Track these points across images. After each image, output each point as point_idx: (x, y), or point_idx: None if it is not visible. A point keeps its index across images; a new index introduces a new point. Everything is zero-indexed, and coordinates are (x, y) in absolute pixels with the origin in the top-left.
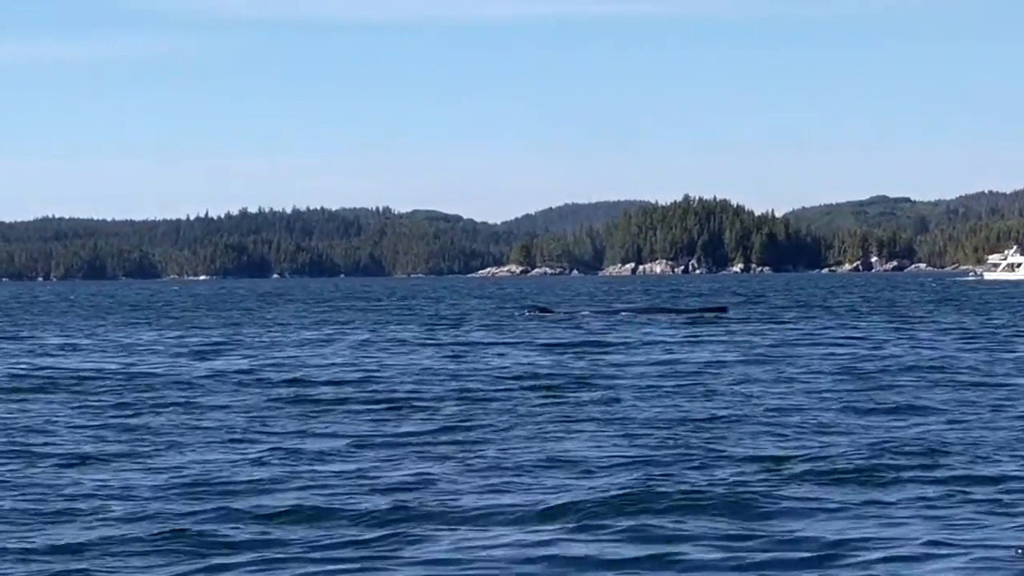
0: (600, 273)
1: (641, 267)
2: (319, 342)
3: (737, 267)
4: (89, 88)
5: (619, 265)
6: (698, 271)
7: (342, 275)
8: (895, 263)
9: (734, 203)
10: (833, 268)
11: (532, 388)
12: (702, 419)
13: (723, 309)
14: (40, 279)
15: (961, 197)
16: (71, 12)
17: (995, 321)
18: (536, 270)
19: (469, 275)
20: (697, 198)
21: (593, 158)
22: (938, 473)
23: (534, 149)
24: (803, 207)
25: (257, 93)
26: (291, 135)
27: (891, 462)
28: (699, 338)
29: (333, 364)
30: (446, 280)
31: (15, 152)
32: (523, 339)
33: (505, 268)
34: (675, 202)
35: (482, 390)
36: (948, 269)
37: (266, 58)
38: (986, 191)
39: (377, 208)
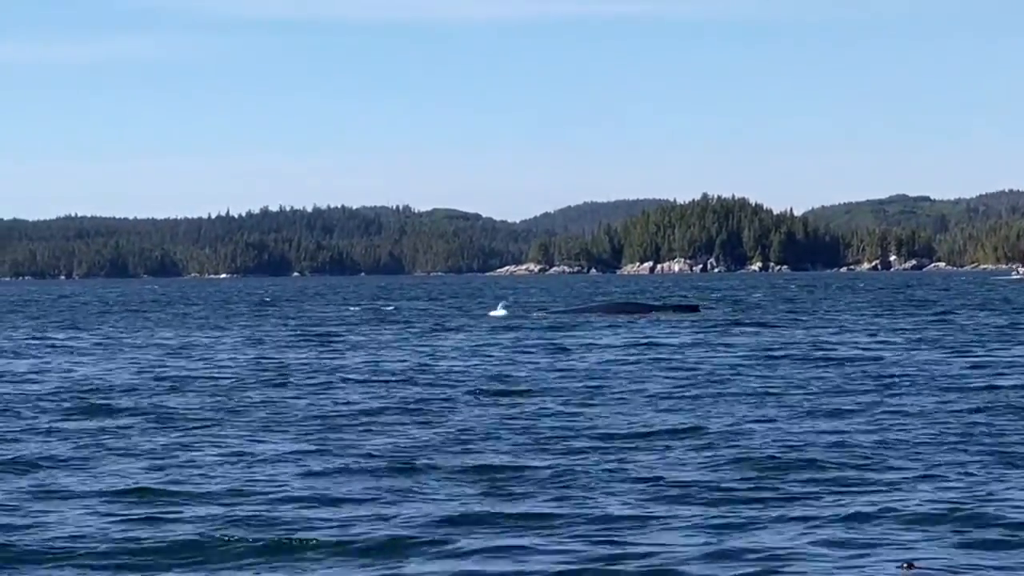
0: (618, 272)
1: (659, 266)
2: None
3: (755, 266)
4: (111, 88)
5: (637, 264)
6: (716, 270)
7: (362, 273)
8: (914, 262)
9: (753, 202)
10: (852, 267)
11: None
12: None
13: (695, 308)
14: (62, 277)
15: (981, 196)
16: (91, 13)
17: None
18: (554, 268)
19: (487, 273)
20: (716, 196)
21: (611, 157)
22: (829, 485)
23: (553, 148)
24: (822, 206)
25: (277, 92)
26: (312, 134)
27: (781, 476)
28: (636, 341)
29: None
30: (465, 278)
31: (38, 152)
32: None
33: (523, 267)
34: (694, 200)
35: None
36: (968, 268)
37: (287, 58)
38: (1006, 190)
39: (397, 206)
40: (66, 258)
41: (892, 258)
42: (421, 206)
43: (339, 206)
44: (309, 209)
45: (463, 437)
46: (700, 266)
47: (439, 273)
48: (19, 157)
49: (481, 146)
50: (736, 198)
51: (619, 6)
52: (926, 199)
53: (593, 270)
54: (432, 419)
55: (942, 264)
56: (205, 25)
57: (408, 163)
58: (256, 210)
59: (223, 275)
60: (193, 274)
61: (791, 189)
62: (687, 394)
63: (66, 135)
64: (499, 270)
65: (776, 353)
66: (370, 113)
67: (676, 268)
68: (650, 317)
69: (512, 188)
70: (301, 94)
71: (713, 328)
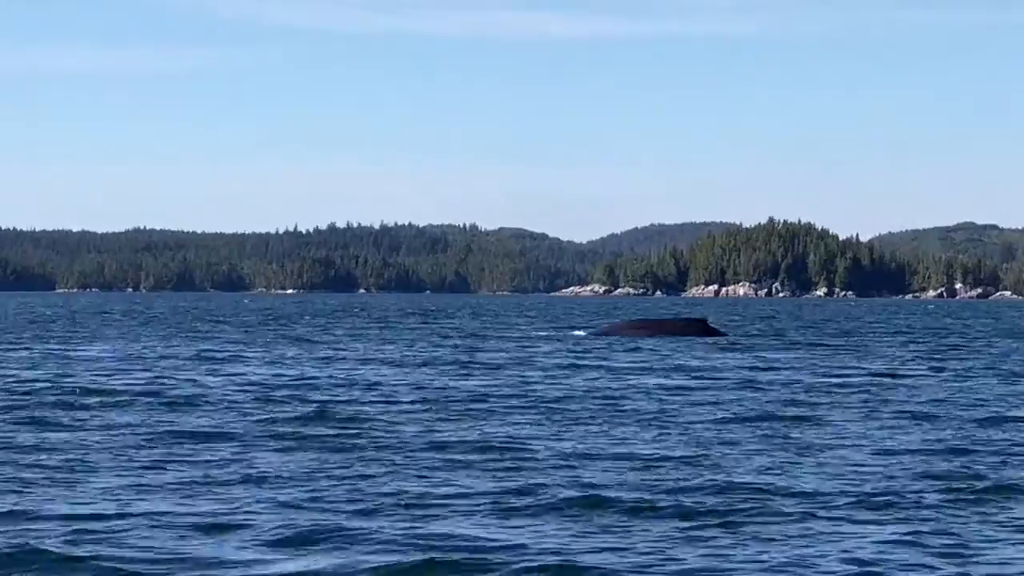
0: (683, 294)
1: (724, 289)
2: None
3: (820, 291)
4: (181, 100)
5: (702, 287)
6: (781, 294)
7: (427, 291)
8: (980, 290)
9: (819, 226)
10: (917, 294)
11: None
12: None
13: (706, 329)
14: (129, 290)
15: None
16: (162, 23)
17: None
18: (619, 290)
19: (552, 294)
20: (782, 221)
21: (678, 179)
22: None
23: (620, 169)
24: (889, 232)
25: (347, 107)
26: (380, 151)
27: (718, 506)
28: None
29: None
30: (531, 298)
31: (107, 163)
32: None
33: (588, 287)
34: (759, 224)
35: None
36: None
37: (358, 72)
38: None
39: (464, 225)
40: (133, 271)
41: (958, 286)
42: (488, 225)
43: (406, 223)
44: (376, 226)
45: (422, 456)
46: (765, 290)
47: (505, 293)
48: (88, 169)
49: (548, 165)
50: (802, 223)
51: (685, 25)
52: (994, 227)
53: (658, 292)
54: (372, 433)
55: (1008, 293)
56: (273, 36)
57: (475, 182)
58: (323, 226)
59: (290, 291)
60: (260, 289)
61: (858, 215)
62: (660, 419)
63: (135, 147)
64: (564, 290)
65: (766, 378)
66: (438, 131)
67: (741, 292)
68: (659, 337)
69: (579, 208)
70: (370, 110)
71: (717, 349)
